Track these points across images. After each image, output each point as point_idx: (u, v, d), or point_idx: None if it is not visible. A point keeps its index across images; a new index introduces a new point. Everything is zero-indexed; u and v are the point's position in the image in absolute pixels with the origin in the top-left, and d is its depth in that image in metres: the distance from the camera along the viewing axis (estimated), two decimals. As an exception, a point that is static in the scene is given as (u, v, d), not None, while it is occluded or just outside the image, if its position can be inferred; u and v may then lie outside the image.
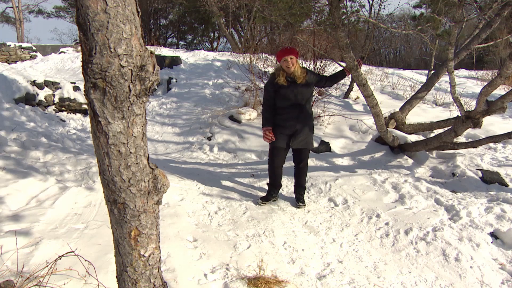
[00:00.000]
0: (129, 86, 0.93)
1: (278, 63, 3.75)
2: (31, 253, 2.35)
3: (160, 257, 1.19)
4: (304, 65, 7.15)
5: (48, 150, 4.63)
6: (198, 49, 14.88)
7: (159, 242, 1.16)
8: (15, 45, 13.23)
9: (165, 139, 6.61)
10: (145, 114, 1.02)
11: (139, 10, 0.89)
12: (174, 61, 10.68)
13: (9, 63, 11.51)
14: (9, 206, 3.15)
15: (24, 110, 6.64)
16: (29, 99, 7.18)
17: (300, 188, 3.97)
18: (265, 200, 3.90)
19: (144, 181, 1.07)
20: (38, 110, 7.12)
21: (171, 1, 19.73)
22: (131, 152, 1.02)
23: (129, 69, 0.92)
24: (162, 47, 15.66)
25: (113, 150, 0.98)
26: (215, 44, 23.44)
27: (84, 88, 0.91)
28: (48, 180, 3.64)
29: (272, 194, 3.93)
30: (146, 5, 20.82)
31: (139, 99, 0.96)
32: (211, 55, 12.44)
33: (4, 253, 2.30)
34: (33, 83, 7.49)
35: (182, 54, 12.11)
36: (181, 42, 23.45)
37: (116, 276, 1.20)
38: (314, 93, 7.18)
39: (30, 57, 13.16)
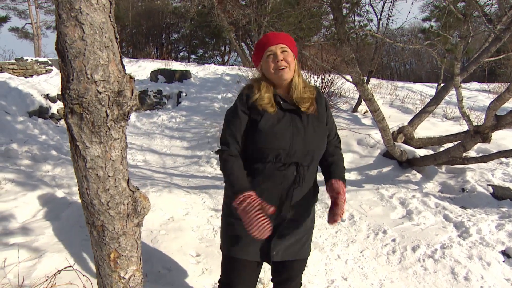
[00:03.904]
0: (106, 111, 0.95)
1: (255, 68, 1.90)
2: (33, 266, 2.37)
3: (142, 279, 1.19)
4: (312, 82, 7.17)
5: (57, 163, 4.71)
6: (209, 63, 15.10)
7: (140, 264, 1.17)
8: (32, 59, 13.59)
9: (173, 153, 6.67)
10: (125, 138, 1.04)
11: (117, 36, 0.91)
12: (184, 75, 10.83)
13: (25, 77, 11.80)
14: (16, 219, 3.19)
15: (37, 123, 6.79)
16: (42, 112, 7.35)
17: None
18: None
19: (123, 204, 1.08)
20: (50, 123, 7.27)
21: (183, 16, 20.15)
22: (109, 176, 1.03)
23: (106, 94, 0.94)
24: (173, 61, 15.92)
25: (91, 173, 1.00)
26: (226, 58, 23.74)
27: (63, 113, 0.93)
28: (56, 192, 3.68)
29: None
30: (158, 19, 21.30)
31: (117, 123, 0.98)
32: (220, 69, 12.59)
33: (7, 265, 2.32)
34: (47, 96, 7.68)
35: (192, 68, 12.29)
36: (193, 56, 23.81)
37: (98, 298, 1.21)
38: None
39: (46, 71, 13.48)
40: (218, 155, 1.71)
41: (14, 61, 12.93)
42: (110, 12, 0.88)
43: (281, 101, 1.68)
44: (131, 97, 0.95)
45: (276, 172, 1.64)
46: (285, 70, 1.65)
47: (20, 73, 12.85)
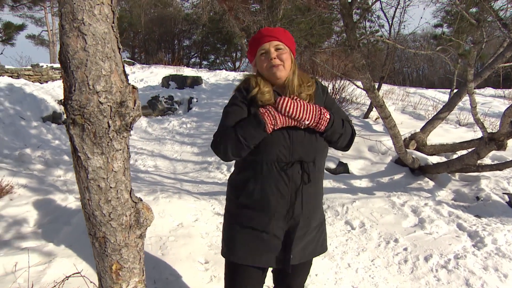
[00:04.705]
0: (108, 122, 0.94)
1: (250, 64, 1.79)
2: (43, 271, 2.39)
3: (145, 291, 1.18)
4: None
5: (69, 168, 4.77)
6: (220, 69, 15.22)
7: (143, 275, 1.16)
8: (47, 66, 13.89)
9: (184, 158, 6.69)
10: (128, 148, 1.03)
11: (120, 47, 0.91)
12: (196, 81, 10.92)
13: (41, 83, 12.07)
14: (28, 223, 3.24)
15: (50, 128, 6.91)
16: (55, 118, 7.48)
17: None
18: None
19: (126, 216, 1.08)
20: (63, 128, 7.38)
21: (195, 23, 20.37)
22: (111, 187, 1.03)
23: (108, 105, 0.93)
24: (185, 67, 16.09)
25: (93, 184, 1.00)
26: (237, 64, 23.86)
27: (66, 123, 0.93)
28: (67, 198, 3.73)
29: None
30: (170, 26, 21.60)
31: (119, 134, 0.98)
32: (231, 75, 12.66)
33: (18, 270, 2.35)
34: (60, 102, 7.82)
35: (204, 74, 12.38)
36: (204, 62, 24.01)
37: (100, 310, 1.20)
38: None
39: (60, 77, 13.76)
40: (215, 147, 1.61)
41: (30, 67, 13.25)
42: (113, 23, 0.89)
43: (278, 96, 1.61)
44: (133, 108, 0.94)
45: (281, 172, 1.56)
46: (278, 67, 1.59)
47: (36, 79, 13.14)
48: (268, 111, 1.52)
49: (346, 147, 1.74)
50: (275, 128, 1.53)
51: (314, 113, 1.53)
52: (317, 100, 1.65)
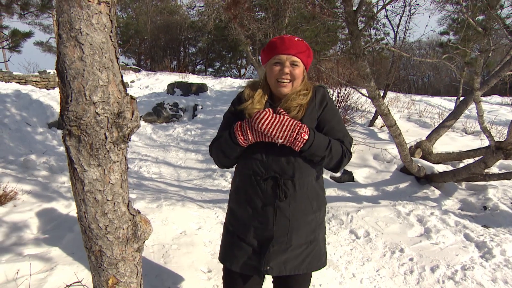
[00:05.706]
0: (105, 134, 0.92)
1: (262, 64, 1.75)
2: (45, 278, 2.37)
3: (142, 305, 1.16)
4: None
5: (74, 174, 4.78)
6: (226, 76, 15.27)
7: None
8: (54, 72, 14.05)
9: (188, 165, 6.68)
10: (125, 160, 1.01)
11: (118, 56, 0.89)
12: (201, 88, 10.97)
13: (48, 89, 12.20)
14: (31, 230, 3.23)
15: (55, 135, 6.94)
16: (61, 124, 7.53)
17: None
18: None
19: (123, 229, 1.05)
20: (69, 134, 7.43)
21: (201, 30, 20.54)
22: (108, 200, 1.00)
23: (105, 116, 0.91)
24: (190, 74, 16.19)
25: (89, 197, 0.98)
26: (242, 71, 23.97)
27: (62, 134, 0.92)
28: (71, 205, 3.72)
29: None
30: (176, 33, 21.80)
31: (116, 146, 0.96)
32: (237, 82, 12.71)
33: (19, 277, 2.33)
34: (66, 109, 7.88)
35: (209, 81, 12.44)
36: (210, 69, 24.15)
37: (96, 324, 1.18)
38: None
39: (67, 84, 13.86)
40: (211, 156, 1.73)
41: (38, 73, 13.42)
42: (111, 32, 0.88)
43: (271, 107, 1.60)
44: (131, 119, 0.93)
45: (256, 185, 1.58)
46: (286, 86, 1.57)
47: (43, 85, 13.28)
48: (241, 126, 1.54)
49: (334, 169, 1.66)
50: (249, 143, 1.54)
51: (289, 132, 1.48)
52: (309, 112, 1.59)
